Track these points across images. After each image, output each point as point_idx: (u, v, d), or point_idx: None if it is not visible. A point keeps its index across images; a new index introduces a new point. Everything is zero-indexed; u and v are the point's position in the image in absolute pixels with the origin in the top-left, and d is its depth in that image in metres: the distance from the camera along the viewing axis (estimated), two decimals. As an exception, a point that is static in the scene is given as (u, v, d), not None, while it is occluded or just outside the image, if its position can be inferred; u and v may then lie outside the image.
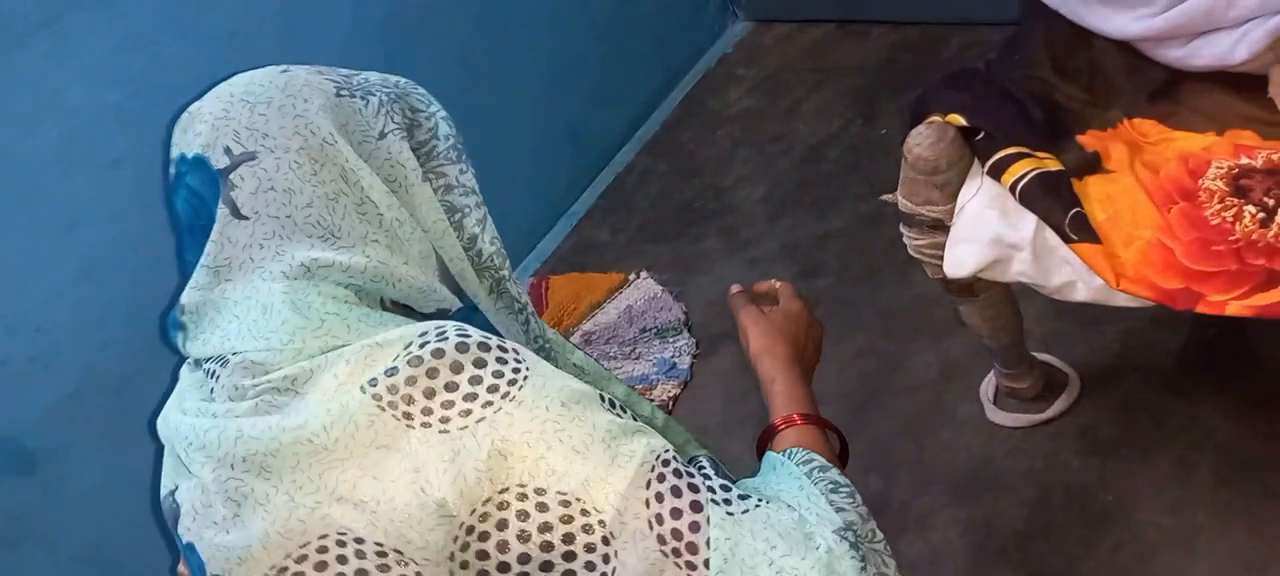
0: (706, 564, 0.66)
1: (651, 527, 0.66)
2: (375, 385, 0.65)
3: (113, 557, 1.49)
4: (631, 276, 1.10)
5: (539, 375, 0.68)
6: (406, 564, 0.65)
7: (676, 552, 0.66)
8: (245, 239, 0.71)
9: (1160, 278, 1.10)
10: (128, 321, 1.48)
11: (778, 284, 0.96)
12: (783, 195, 2.10)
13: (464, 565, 0.65)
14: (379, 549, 0.65)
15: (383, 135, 0.74)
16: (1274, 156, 1.13)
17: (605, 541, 0.66)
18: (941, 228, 1.23)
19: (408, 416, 0.65)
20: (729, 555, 0.66)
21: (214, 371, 0.70)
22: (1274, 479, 1.32)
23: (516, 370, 0.67)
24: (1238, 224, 1.09)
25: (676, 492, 0.67)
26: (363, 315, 0.69)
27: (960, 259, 1.21)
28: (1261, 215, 1.08)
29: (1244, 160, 1.14)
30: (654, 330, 1.14)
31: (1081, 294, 1.17)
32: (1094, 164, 1.20)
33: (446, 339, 0.66)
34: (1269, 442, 1.35)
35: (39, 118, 1.41)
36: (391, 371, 0.65)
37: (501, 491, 0.65)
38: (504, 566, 0.65)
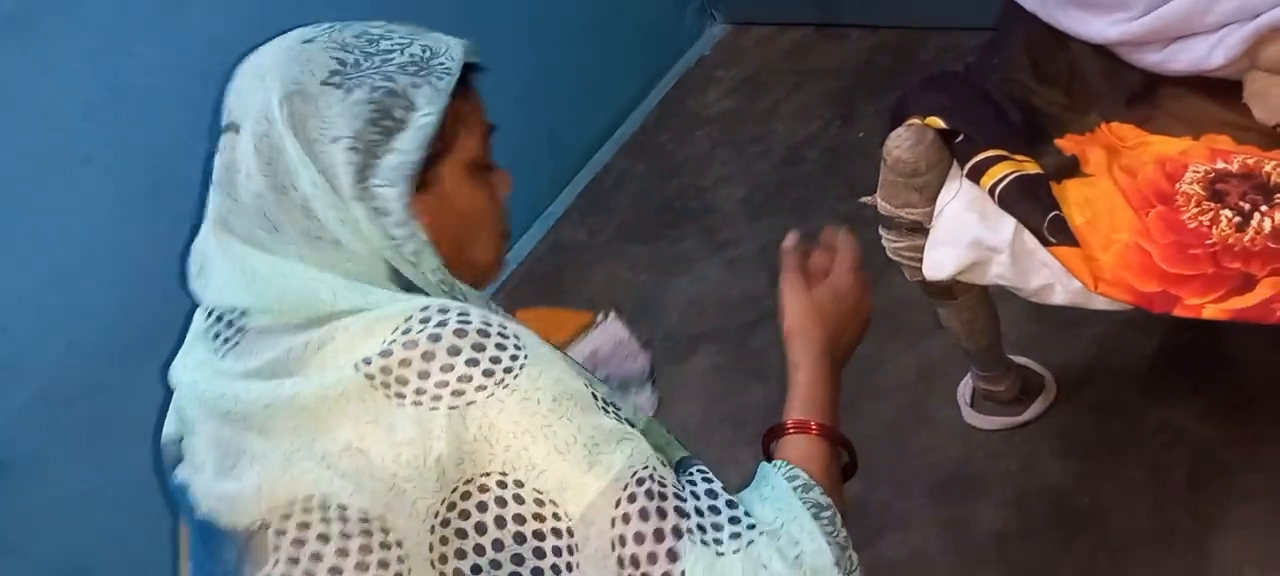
0: None
1: (613, 548, 0.66)
2: (368, 364, 0.66)
3: (87, 567, 1.46)
4: (599, 317, 1.10)
5: (536, 365, 0.68)
6: (386, 533, 0.66)
7: None
8: (217, 206, 0.75)
9: (1138, 281, 1.10)
10: (99, 325, 1.46)
11: (841, 242, 0.89)
12: (762, 196, 2.10)
13: (443, 540, 0.66)
14: (362, 517, 0.66)
15: (335, 139, 0.71)
16: (1249, 161, 1.14)
17: (570, 550, 0.66)
18: (920, 230, 1.23)
19: (400, 395, 0.66)
20: None
21: (225, 324, 0.73)
22: (1248, 481, 1.33)
23: (515, 357, 0.67)
24: (1214, 228, 1.09)
25: (645, 515, 0.66)
26: (348, 286, 0.70)
27: (939, 261, 1.21)
28: (1237, 219, 1.09)
29: (1220, 164, 1.15)
30: (617, 381, 1.11)
31: (1059, 297, 1.18)
32: (1072, 167, 1.21)
33: (445, 324, 0.67)
34: (1243, 445, 1.37)
35: (9, 118, 1.38)
36: (386, 351, 0.66)
37: (484, 475, 0.66)
38: (479, 548, 0.66)
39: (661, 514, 0.66)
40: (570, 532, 0.66)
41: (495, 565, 0.67)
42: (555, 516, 0.66)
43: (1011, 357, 1.50)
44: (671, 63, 2.52)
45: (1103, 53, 1.27)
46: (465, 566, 0.67)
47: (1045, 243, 1.14)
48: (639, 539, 0.65)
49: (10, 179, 1.39)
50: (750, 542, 0.67)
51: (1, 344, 1.38)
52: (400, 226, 0.72)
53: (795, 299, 0.85)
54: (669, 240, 2.08)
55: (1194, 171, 1.15)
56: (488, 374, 0.66)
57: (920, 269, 1.24)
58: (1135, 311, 1.12)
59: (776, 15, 2.53)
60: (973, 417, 1.52)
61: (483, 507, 0.66)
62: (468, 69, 0.78)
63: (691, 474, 0.72)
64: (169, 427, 0.77)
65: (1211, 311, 1.07)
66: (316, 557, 0.66)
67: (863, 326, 0.88)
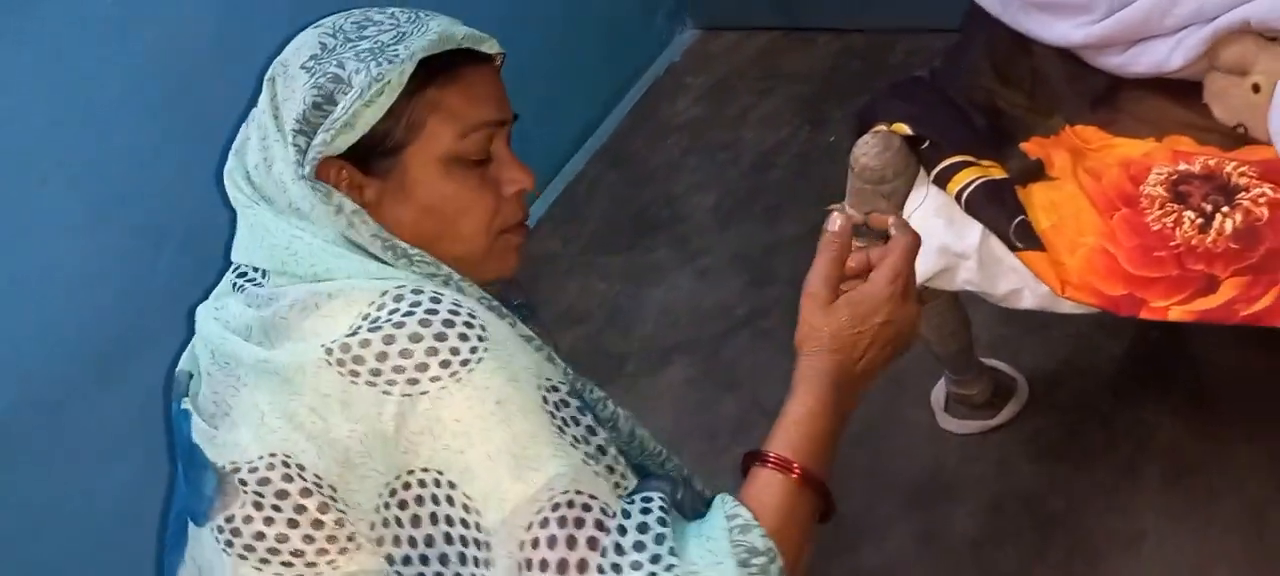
0: None
1: (520, 569, 0.65)
2: (332, 347, 0.68)
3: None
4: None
5: (494, 360, 0.67)
6: (337, 499, 0.69)
7: None
8: (235, 167, 0.80)
9: (1104, 284, 1.11)
10: (59, 343, 1.42)
11: (894, 237, 0.79)
12: (733, 204, 2.09)
13: (385, 521, 0.69)
14: (317, 481, 0.69)
15: (293, 119, 0.75)
16: (1210, 162, 1.14)
17: (486, 563, 0.66)
18: (889, 237, 1.23)
19: (355, 374, 0.67)
20: None
21: (247, 279, 0.78)
22: (1218, 480, 1.34)
23: (474, 349, 0.67)
24: (1178, 229, 1.10)
25: (553, 543, 0.65)
26: (322, 248, 0.73)
27: (907, 269, 1.21)
28: (1200, 221, 1.09)
29: (1182, 166, 1.15)
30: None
31: (1028, 301, 1.18)
32: (1037, 171, 1.21)
33: (413, 312, 0.68)
34: (1212, 444, 1.37)
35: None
36: (351, 333, 0.68)
37: (423, 469, 0.67)
38: (412, 540, 0.68)
39: (572, 543, 0.65)
40: (486, 545, 0.66)
41: (424, 559, 0.68)
42: (477, 526, 0.66)
43: (983, 361, 1.50)
44: (642, 69, 2.52)
45: (1065, 56, 1.28)
46: (397, 553, 0.69)
47: (1012, 248, 1.14)
48: (543, 566, 0.64)
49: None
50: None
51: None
52: (340, 215, 0.74)
53: (812, 308, 0.77)
54: (642, 250, 2.07)
55: (1157, 173, 1.15)
56: (444, 365, 0.66)
57: (889, 276, 1.24)
58: (1104, 313, 1.12)
59: (746, 20, 2.53)
60: (946, 422, 1.52)
61: (419, 501, 0.67)
62: (465, 59, 0.77)
63: (638, 499, 0.69)
64: (184, 362, 0.83)
65: (1177, 314, 1.07)
66: (277, 509, 0.70)
67: (891, 349, 0.79)
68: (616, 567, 0.65)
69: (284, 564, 0.70)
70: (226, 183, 0.79)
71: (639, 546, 0.65)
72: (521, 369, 0.68)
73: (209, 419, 0.75)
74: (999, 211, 1.15)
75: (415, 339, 0.66)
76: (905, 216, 1.21)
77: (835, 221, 0.80)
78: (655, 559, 0.65)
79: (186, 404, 0.78)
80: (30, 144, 1.42)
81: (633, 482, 0.71)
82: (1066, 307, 1.15)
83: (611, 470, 0.70)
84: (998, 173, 1.19)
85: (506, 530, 0.65)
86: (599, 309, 1.98)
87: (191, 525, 0.75)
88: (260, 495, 0.70)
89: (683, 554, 0.66)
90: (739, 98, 2.37)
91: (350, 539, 0.69)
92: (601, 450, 0.70)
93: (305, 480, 0.69)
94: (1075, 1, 1.22)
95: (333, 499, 0.69)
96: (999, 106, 1.29)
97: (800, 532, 0.71)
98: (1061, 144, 1.26)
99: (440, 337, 0.67)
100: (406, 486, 0.67)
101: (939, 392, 1.54)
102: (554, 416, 0.68)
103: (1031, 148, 1.25)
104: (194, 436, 0.75)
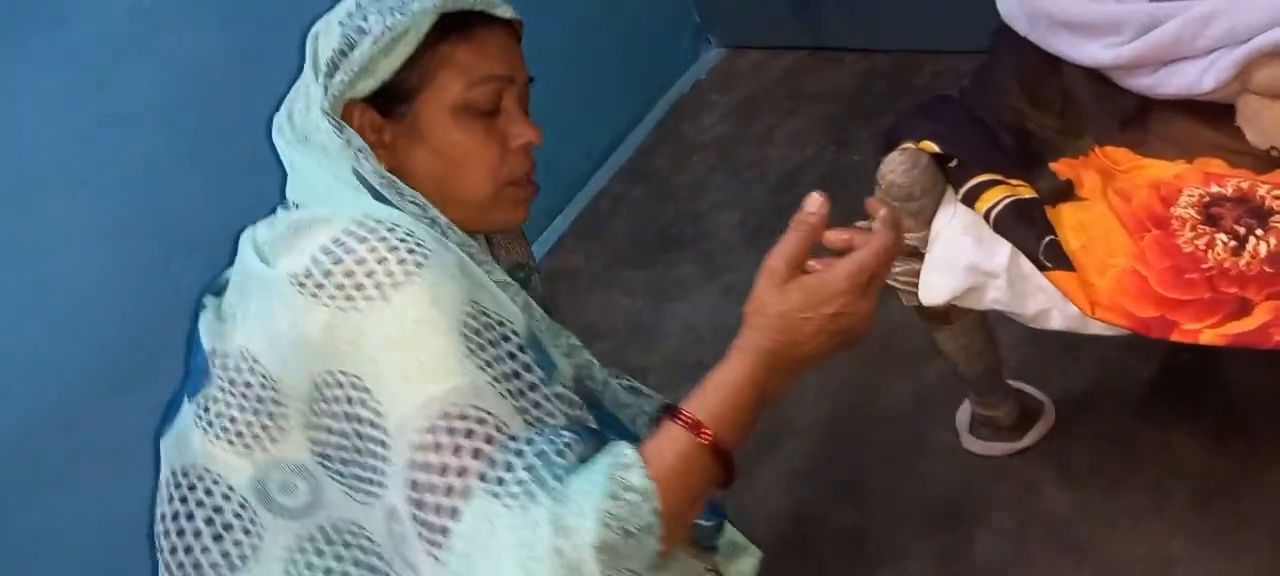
0: (444, 534, 0.70)
1: (410, 468, 0.72)
2: (297, 264, 0.77)
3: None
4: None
5: (423, 280, 0.74)
6: (277, 390, 0.79)
7: (419, 509, 0.71)
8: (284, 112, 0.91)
9: (1135, 306, 1.10)
10: (82, 355, 1.44)
11: (876, 229, 0.79)
12: (758, 221, 2.09)
13: (314, 412, 0.78)
14: (264, 373, 0.80)
15: (324, 64, 0.85)
16: (1243, 185, 1.13)
17: (385, 459, 0.74)
18: (916, 255, 1.22)
19: (301, 285, 0.76)
20: (473, 547, 0.69)
21: (283, 207, 0.88)
22: (1247, 506, 1.32)
23: (408, 274, 0.74)
24: (1210, 252, 1.09)
25: (439, 448, 0.71)
26: (335, 183, 0.83)
27: (935, 286, 1.20)
28: (1233, 243, 1.08)
29: (1214, 188, 1.14)
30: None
31: (1056, 322, 1.17)
32: (1067, 191, 1.20)
33: (365, 240, 0.75)
34: (1242, 470, 1.35)
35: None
36: (314, 256, 0.77)
37: (343, 372, 0.75)
38: (329, 430, 0.78)
39: (458, 450, 0.71)
40: (387, 444, 0.73)
41: (340, 449, 0.77)
42: (382, 428, 0.74)
43: (1010, 383, 1.49)
44: (667, 87, 2.53)
45: (1095, 76, 1.27)
46: (317, 442, 0.79)
47: (1041, 267, 1.13)
48: (427, 467, 0.71)
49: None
50: (533, 500, 0.69)
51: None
52: (346, 142, 0.83)
53: (767, 285, 0.78)
54: (666, 266, 2.07)
55: (1188, 195, 1.14)
56: (377, 285, 0.74)
57: (916, 294, 1.24)
58: (1133, 335, 1.11)
59: (772, 39, 2.54)
60: (972, 444, 1.50)
61: (337, 400, 0.76)
62: (479, 19, 0.87)
63: (547, 433, 0.74)
64: (228, 272, 0.92)
65: (1209, 337, 1.06)
66: (230, 394, 0.82)
67: (837, 341, 0.78)
68: (500, 481, 0.71)
69: (237, 437, 0.81)
70: (274, 133, 0.89)
71: (530, 468, 0.71)
72: (449, 296, 0.75)
73: (225, 318, 0.85)
74: (1028, 230, 1.14)
75: (359, 261, 0.75)
76: (933, 235, 1.21)
77: (814, 201, 0.80)
78: (539, 480, 0.70)
79: (208, 299, 0.89)
80: (56, 156, 1.45)
81: (566, 420, 0.78)
82: (1095, 329, 1.14)
83: (528, 400, 0.76)
84: (1027, 192, 1.18)
85: (403, 433, 0.72)
86: (621, 324, 1.99)
87: (185, 400, 0.86)
88: (231, 381, 0.81)
89: (565, 482, 0.71)
90: (764, 116, 2.37)
91: (285, 423, 0.79)
92: (517, 378, 0.76)
93: (259, 373, 0.80)
94: (1105, 22, 1.21)
95: (275, 390, 0.79)
96: (1028, 127, 1.29)
97: (691, 492, 0.75)
98: (1091, 165, 1.25)
99: (381, 261, 0.74)
100: (328, 385, 0.76)
101: (964, 414, 1.53)
102: (469, 340, 0.74)
103: (1061, 168, 1.24)
104: (201, 325, 0.87)
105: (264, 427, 0.80)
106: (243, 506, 0.82)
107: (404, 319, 0.73)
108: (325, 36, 0.86)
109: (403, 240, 0.76)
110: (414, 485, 0.71)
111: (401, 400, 0.73)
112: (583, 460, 0.74)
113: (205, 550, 0.82)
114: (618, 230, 2.21)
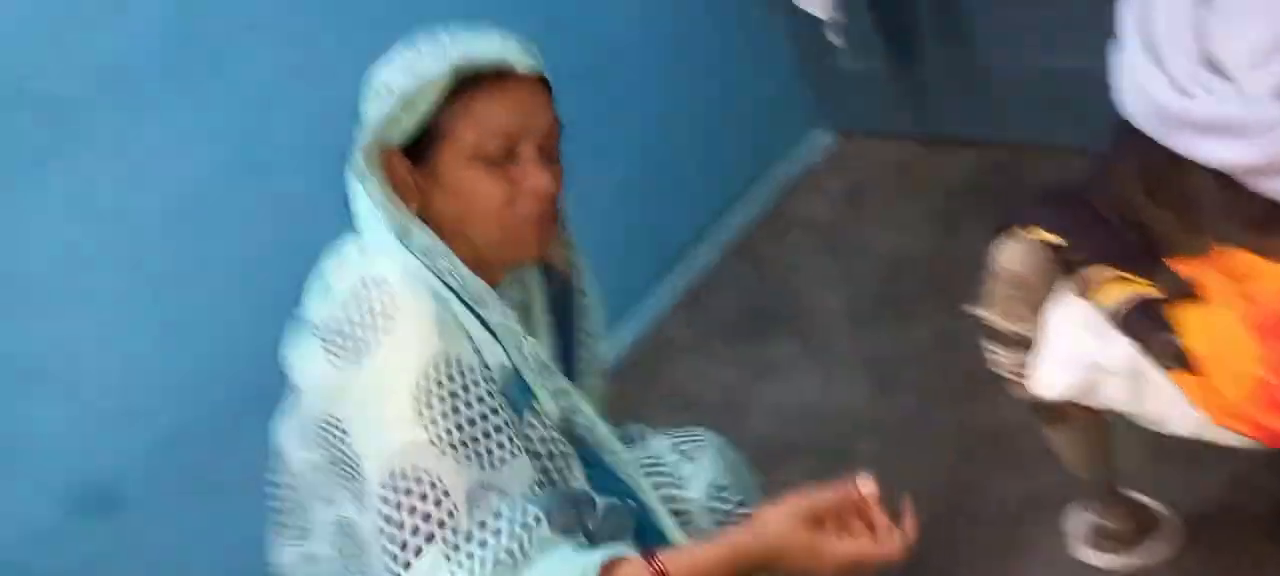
0: (406, 568, 0.84)
1: (376, 513, 0.86)
2: (319, 325, 0.92)
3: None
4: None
5: (388, 347, 0.87)
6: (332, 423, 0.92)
7: (388, 543, 0.85)
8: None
9: (1264, 416, 1.04)
10: (223, 380, 1.53)
11: (880, 535, 0.88)
12: (862, 307, 2.07)
13: (320, 443, 0.93)
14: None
15: (361, 117, 0.97)
16: (1385, 296, 1.06)
17: (366, 504, 0.88)
18: (1027, 345, 1.19)
19: (321, 345, 0.91)
20: None
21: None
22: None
23: (381, 337, 0.87)
24: (1350, 363, 1.02)
25: (396, 505, 0.85)
26: (368, 213, 0.95)
27: (1048, 379, 1.16)
28: (1376, 356, 1.01)
29: (1354, 297, 1.08)
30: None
31: (1178, 426, 1.11)
32: (1187, 290, 1.16)
33: (360, 302, 0.88)
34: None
35: (154, 172, 1.48)
36: (328, 316, 0.91)
37: (336, 417, 0.90)
38: (333, 460, 0.92)
39: (411, 510, 0.85)
40: (364, 492, 0.88)
41: (339, 474, 0.91)
42: (360, 474, 0.88)
43: (1127, 492, 1.42)
44: (778, 167, 2.54)
45: (1219, 176, 1.22)
46: (323, 465, 0.94)
47: (1164, 367, 1.08)
48: (389, 520, 0.85)
49: (147, 231, 1.48)
50: (483, 568, 0.83)
51: (129, 393, 1.46)
52: (368, 189, 0.95)
53: (787, 512, 0.87)
54: (764, 345, 2.06)
55: (1325, 303, 1.08)
56: (362, 346, 0.88)
57: (1025, 385, 1.20)
58: (1263, 449, 1.04)
59: (885, 127, 2.53)
60: (1087, 555, 1.43)
61: (334, 440, 0.91)
62: (495, 74, 0.94)
63: (522, 508, 0.86)
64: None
65: (1347, 453, 0.99)
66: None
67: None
68: (455, 547, 0.84)
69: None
70: (348, 171, 0.98)
71: (496, 532, 0.84)
72: (412, 355, 0.86)
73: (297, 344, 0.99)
74: (1150, 328, 1.10)
75: (350, 322, 0.88)
76: (1047, 325, 1.17)
77: (867, 485, 0.89)
78: (493, 554, 0.84)
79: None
80: (211, 186, 1.55)
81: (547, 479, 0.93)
82: (1221, 437, 1.08)
83: (484, 445, 0.87)
84: (1147, 288, 1.14)
85: (370, 484, 0.87)
86: (712, 397, 1.98)
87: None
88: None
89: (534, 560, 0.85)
90: (874, 203, 2.36)
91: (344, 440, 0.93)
92: (473, 426, 0.86)
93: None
94: (1234, 123, 1.17)
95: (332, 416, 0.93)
96: (1145, 221, 1.25)
97: None
98: (1210, 265, 1.20)
99: (366, 327, 0.87)
100: (329, 425, 0.91)
101: (1075, 522, 1.46)
102: (419, 400, 0.85)
103: (1179, 266, 1.20)
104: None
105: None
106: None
107: (375, 380, 0.87)
108: (366, 91, 0.97)
109: (380, 301, 0.88)
110: (379, 532, 0.86)
111: (367, 454, 0.88)
112: (563, 528, 0.88)
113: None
114: (718, 306, 2.22)
